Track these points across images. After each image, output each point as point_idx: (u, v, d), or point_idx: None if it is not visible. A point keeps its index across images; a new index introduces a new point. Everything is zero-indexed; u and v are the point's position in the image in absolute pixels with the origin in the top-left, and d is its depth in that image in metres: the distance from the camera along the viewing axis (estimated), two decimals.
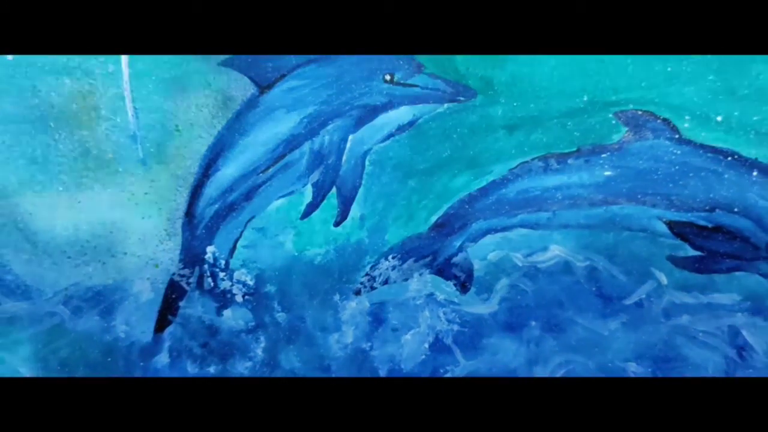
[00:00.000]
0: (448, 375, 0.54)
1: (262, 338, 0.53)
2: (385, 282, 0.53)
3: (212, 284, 0.53)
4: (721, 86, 0.51)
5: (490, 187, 0.53)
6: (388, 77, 0.52)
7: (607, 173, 0.52)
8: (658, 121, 0.51)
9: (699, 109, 0.51)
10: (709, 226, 0.52)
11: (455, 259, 0.53)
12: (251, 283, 0.53)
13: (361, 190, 0.53)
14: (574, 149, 0.52)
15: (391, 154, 0.53)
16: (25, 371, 0.52)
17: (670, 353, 0.53)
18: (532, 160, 0.52)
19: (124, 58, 0.52)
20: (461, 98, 0.52)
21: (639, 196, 0.52)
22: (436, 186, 0.53)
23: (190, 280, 0.54)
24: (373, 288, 0.53)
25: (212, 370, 0.53)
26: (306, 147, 0.53)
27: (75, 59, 0.53)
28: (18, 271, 0.51)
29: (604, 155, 0.52)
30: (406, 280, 0.53)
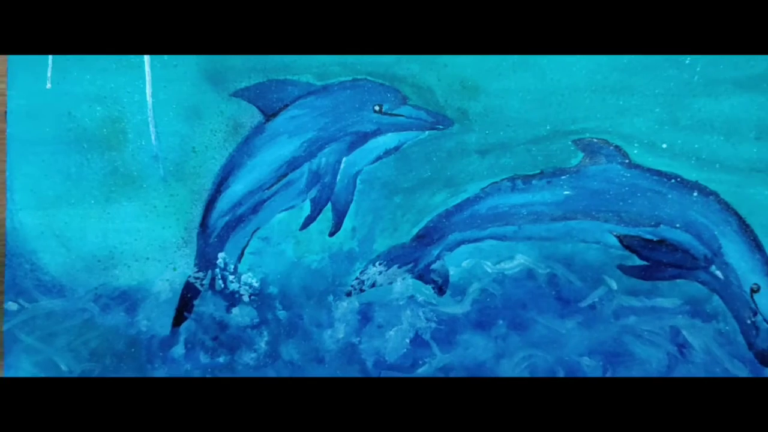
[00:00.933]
0: (426, 366, 0.57)
1: (265, 333, 0.57)
2: (373, 285, 0.57)
3: (223, 286, 0.57)
4: (667, 118, 0.55)
5: (465, 204, 0.56)
6: (377, 108, 0.56)
7: (566, 192, 0.55)
8: (611, 147, 0.55)
9: (647, 137, 0.55)
10: (654, 239, 0.55)
11: (434, 266, 0.57)
12: (257, 285, 0.57)
13: (353, 206, 0.57)
14: (538, 171, 0.55)
15: (379, 174, 0.56)
16: (59, 360, 0.57)
17: (619, 349, 0.56)
18: (501, 180, 0.56)
19: (149, 89, 0.57)
20: (440, 126, 0.56)
21: (593, 213, 0.56)
22: (418, 202, 0.57)
23: (204, 282, 0.57)
24: (362, 290, 0.57)
25: (222, 360, 0.57)
26: (305, 167, 0.57)
27: (106, 89, 0.56)
28: (54, 272, 0.55)
29: (563, 177, 0.55)
30: (391, 283, 0.57)
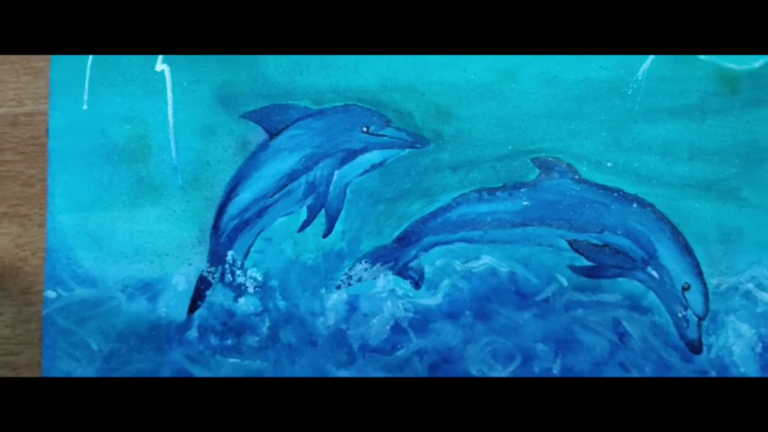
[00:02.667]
0: (403, 349, 0.59)
1: (267, 319, 0.59)
2: (359, 280, 0.59)
3: (231, 279, 0.59)
4: (611, 140, 0.58)
5: (438, 212, 0.59)
6: (365, 129, 0.59)
7: (525, 203, 0.58)
8: (563, 165, 0.58)
9: (594, 157, 0.58)
10: (599, 243, 0.58)
11: (411, 264, 0.59)
12: (260, 278, 0.59)
13: (343, 212, 0.59)
14: (501, 185, 0.58)
15: (366, 185, 0.59)
16: (90, 340, 0.59)
17: (569, 337, 0.58)
18: (470, 192, 0.58)
19: (170, 110, 0.59)
20: (418, 145, 0.59)
21: (548, 221, 0.58)
22: (399, 210, 0.59)
23: (215, 276, 0.59)
24: (350, 284, 0.59)
25: (229, 342, 0.59)
26: (303, 179, 0.59)
27: (134, 111, 0.59)
28: (87, 266, 0.58)
29: (522, 190, 0.58)
30: (375, 279, 0.59)
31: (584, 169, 0.59)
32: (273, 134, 0.60)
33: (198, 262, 0.60)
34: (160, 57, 0.59)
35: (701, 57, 0.59)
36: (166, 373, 0.59)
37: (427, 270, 0.60)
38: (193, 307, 0.60)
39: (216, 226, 0.61)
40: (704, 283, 0.58)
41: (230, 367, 0.59)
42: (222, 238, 0.61)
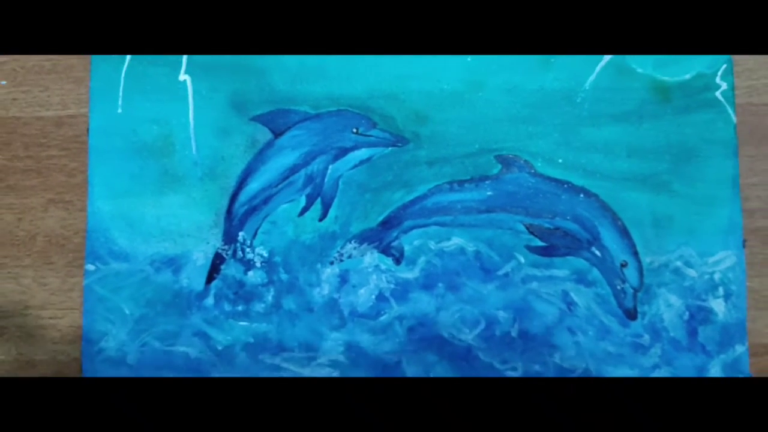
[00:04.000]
0: (386, 315, 0.61)
1: (271, 289, 0.61)
2: (349, 257, 0.61)
3: (242, 255, 0.61)
4: (562, 141, 0.60)
5: (416, 200, 0.61)
6: (355, 130, 0.61)
7: (489, 193, 0.60)
8: (521, 161, 0.60)
9: (547, 155, 0.60)
10: (552, 227, 0.61)
11: (393, 244, 0.61)
12: (266, 255, 0.61)
13: (336, 200, 0.61)
14: (469, 178, 0.61)
15: (356, 178, 0.61)
16: (124, 306, 0.61)
17: (525, 305, 0.61)
18: (443, 183, 0.61)
19: (191, 114, 0.61)
20: (399, 144, 0.61)
21: (508, 208, 0.61)
22: (383, 198, 0.61)
23: (228, 253, 0.61)
24: (341, 260, 0.61)
25: (240, 308, 0.61)
26: (302, 172, 0.61)
27: (161, 114, 0.61)
28: (121, 244, 0.61)
29: (487, 182, 0.61)
30: (362, 256, 0.61)
31: (539, 164, 0.62)
32: (277, 134, 0.62)
33: (214, 241, 0.62)
34: (183, 68, 0.62)
35: (639, 70, 0.62)
36: (187, 334, 0.61)
37: (407, 249, 0.62)
38: (209, 279, 0.62)
39: (229, 211, 0.62)
40: (639, 261, 0.61)
41: (240, 329, 0.62)
42: (234, 221, 0.62)
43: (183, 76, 0.63)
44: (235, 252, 0.63)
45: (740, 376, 0.62)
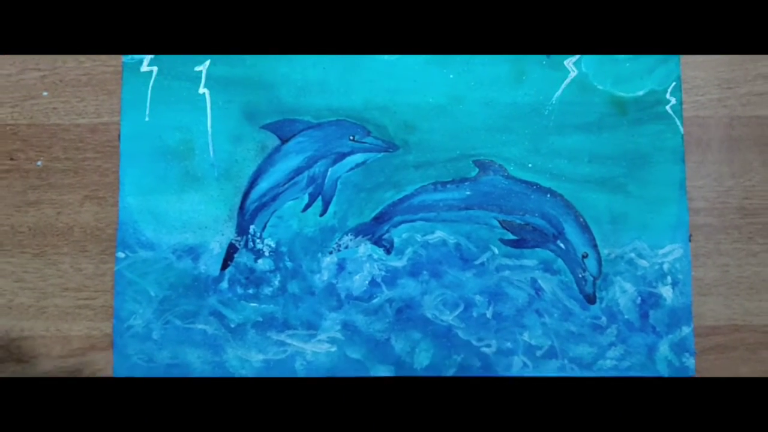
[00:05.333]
0: (377, 298, 0.63)
1: (278, 275, 0.64)
2: (346, 247, 0.64)
3: (252, 246, 0.64)
4: (532, 148, 0.63)
5: (404, 198, 0.64)
6: (351, 137, 0.64)
7: (467, 193, 0.64)
8: (496, 165, 0.63)
9: (519, 160, 0.63)
10: (522, 223, 0.64)
11: (384, 236, 0.64)
12: (273, 245, 0.64)
13: (335, 198, 0.64)
14: (450, 179, 0.64)
15: (352, 179, 0.64)
16: (149, 288, 0.63)
17: (498, 291, 0.64)
18: (428, 184, 0.64)
19: (209, 122, 0.64)
20: (390, 150, 0.64)
21: (484, 206, 0.64)
22: (375, 197, 0.64)
23: (241, 243, 0.64)
24: (339, 250, 0.64)
25: (251, 291, 0.63)
26: (306, 174, 0.64)
27: (183, 122, 0.63)
28: (148, 234, 0.63)
29: (466, 183, 0.64)
30: (357, 247, 0.64)
31: (512, 168, 0.65)
32: (284, 140, 0.65)
33: (228, 233, 0.65)
34: (203, 83, 0.65)
35: (599, 87, 0.66)
36: (204, 313, 0.64)
37: (396, 241, 0.65)
38: (224, 266, 0.64)
39: (242, 207, 0.65)
40: (598, 253, 0.65)
41: (251, 309, 0.64)
42: (246, 216, 0.65)
43: (202, 90, 0.66)
44: (246, 242, 0.65)
45: (686, 356, 0.66)
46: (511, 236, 0.65)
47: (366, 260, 0.65)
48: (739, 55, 0.66)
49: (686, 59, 0.67)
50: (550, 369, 0.64)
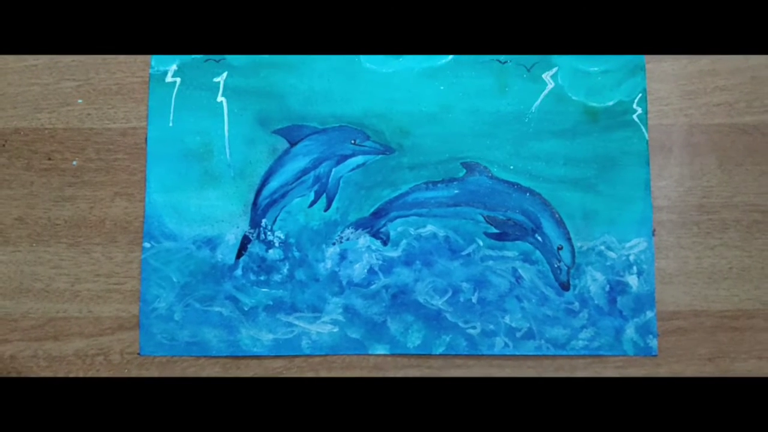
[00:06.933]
0: (375, 285, 0.66)
1: (287, 264, 0.67)
2: (347, 239, 0.67)
3: (264, 237, 0.67)
4: (513, 152, 0.66)
5: (399, 196, 0.67)
6: (353, 141, 0.67)
7: (456, 191, 0.67)
8: (481, 167, 0.66)
9: (502, 162, 0.66)
10: (504, 218, 0.67)
11: (381, 230, 0.67)
12: (283, 237, 0.67)
13: (337, 195, 0.67)
14: (441, 179, 0.67)
15: (353, 178, 0.67)
16: (172, 275, 0.66)
17: (483, 279, 0.66)
18: (420, 183, 0.67)
19: (226, 127, 0.66)
20: (387, 153, 0.67)
21: (470, 203, 0.67)
22: (374, 194, 0.67)
23: (254, 235, 0.67)
24: (341, 242, 0.67)
25: (262, 278, 0.66)
26: (312, 173, 0.67)
27: (202, 127, 0.66)
28: (171, 227, 0.66)
29: (454, 182, 0.66)
30: (357, 239, 0.67)
31: (495, 170, 0.68)
32: (293, 144, 0.68)
33: (243, 226, 0.68)
34: (220, 92, 0.69)
35: (574, 98, 0.69)
36: (221, 297, 0.67)
37: (392, 233, 0.68)
38: (239, 255, 0.67)
39: (255, 203, 0.68)
40: (572, 245, 0.68)
41: (262, 294, 0.67)
42: (258, 211, 0.68)
43: (220, 98, 0.69)
44: (259, 234, 0.68)
45: (650, 337, 0.67)
46: (494, 230, 0.68)
47: (365, 251, 0.68)
48: (700, 55, 0.70)
49: (651, 73, 0.70)
50: (529, 348, 0.67)
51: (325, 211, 0.68)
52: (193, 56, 0.70)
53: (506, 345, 0.66)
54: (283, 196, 0.69)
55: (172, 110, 0.69)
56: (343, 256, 0.68)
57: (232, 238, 0.68)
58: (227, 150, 0.69)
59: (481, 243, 0.68)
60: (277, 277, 0.68)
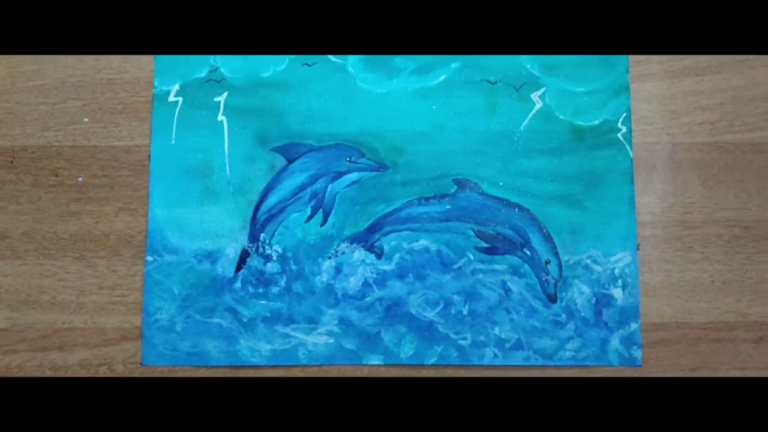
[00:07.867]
0: (369, 297, 0.67)
1: (284, 277, 0.68)
2: (343, 253, 0.68)
3: (262, 251, 0.68)
4: (503, 169, 0.68)
5: (393, 212, 0.68)
6: (348, 158, 0.69)
7: (447, 207, 0.68)
8: (472, 183, 0.67)
9: (492, 179, 0.68)
10: (494, 233, 0.68)
11: (375, 244, 0.68)
12: (280, 251, 0.68)
13: (333, 211, 0.68)
14: (433, 195, 0.68)
15: (349, 194, 0.68)
16: (174, 287, 0.67)
17: (473, 291, 0.67)
18: (413, 199, 0.68)
19: (226, 145, 0.68)
20: (381, 170, 0.68)
21: (462, 218, 0.68)
22: (368, 210, 0.68)
23: (252, 249, 0.68)
24: (336, 256, 0.68)
25: (260, 290, 0.67)
26: (309, 189, 0.68)
27: (204, 144, 0.67)
28: (173, 241, 0.67)
29: (446, 198, 0.68)
30: (352, 252, 0.68)
31: (485, 186, 0.69)
32: (290, 161, 0.69)
33: (242, 240, 0.69)
34: (221, 111, 0.70)
35: (561, 117, 0.71)
36: (221, 309, 0.69)
37: (386, 248, 0.69)
38: (238, 268, 0.68)
39: (253, 218, 0.69)
40: (559, 259, 0.69)
41: (261, 306, 0.69)
42: (257, 226, 0.69)
43: (220, 117, 0.70)
44: (257, 248, 0.69)
45: (634, 348, 0.68)
46: (484, 244, 0.69)
47: (360, 264, 0.69)
48: (682, 76, 0.72)
49: (635, 93, 0.72)
50: (517, 359, 0.68)
51: (322, 225, 0.70)
52: (195, 77, 0.71)
53: (496, 355, 0.67)
54: (281, 211, 0.70)
55: (174, 129, 0.71)
56: (338, 269, 0.69)
57: (232, 252, 0.70)
58: (227, 167, 0.70)
59: (471, 257, 0.69)
60: (274, 290, 0.69)
